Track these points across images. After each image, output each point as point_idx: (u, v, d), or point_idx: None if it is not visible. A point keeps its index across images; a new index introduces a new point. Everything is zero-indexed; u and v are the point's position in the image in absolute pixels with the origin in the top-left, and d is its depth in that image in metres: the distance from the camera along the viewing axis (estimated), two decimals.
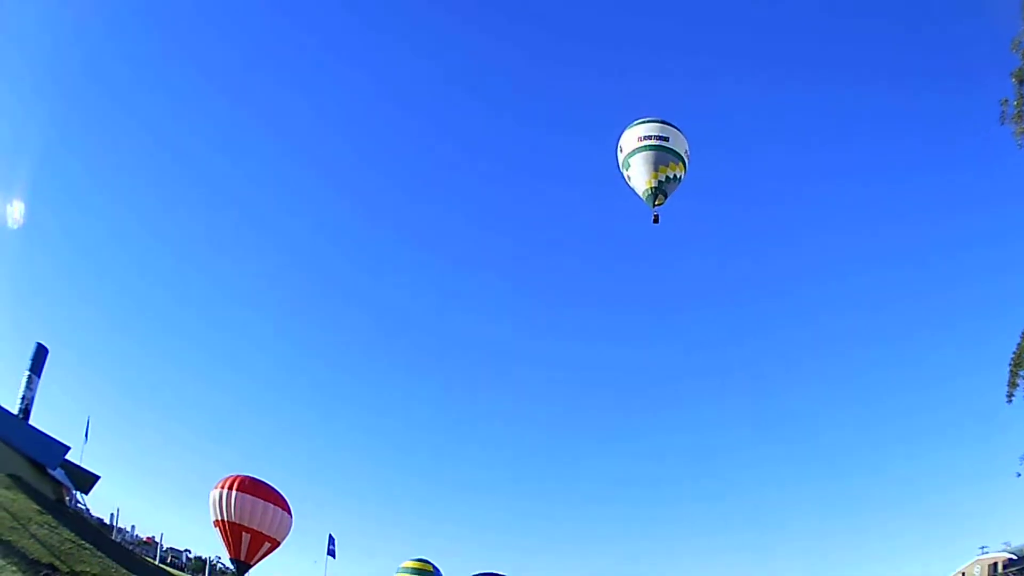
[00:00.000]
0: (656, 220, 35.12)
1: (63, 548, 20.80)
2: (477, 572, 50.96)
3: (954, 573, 39.69)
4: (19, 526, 19.33)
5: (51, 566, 18.35)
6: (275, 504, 40.52)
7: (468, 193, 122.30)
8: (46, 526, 21.28)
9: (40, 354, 30.58)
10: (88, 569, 20.72)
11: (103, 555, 23.19)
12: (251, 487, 39.67)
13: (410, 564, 51.80)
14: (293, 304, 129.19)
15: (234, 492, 38.74)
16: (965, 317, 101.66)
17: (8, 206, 40.66)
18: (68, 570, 19.34)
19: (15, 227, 39.60)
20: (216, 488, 39.44)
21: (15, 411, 28.14)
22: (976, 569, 39.83)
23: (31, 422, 28.96)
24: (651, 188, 34.59)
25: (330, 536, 34.85)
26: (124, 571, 23.61)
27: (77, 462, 31.65)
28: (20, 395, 29.02)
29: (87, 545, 22.73)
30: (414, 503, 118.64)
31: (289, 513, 41.46)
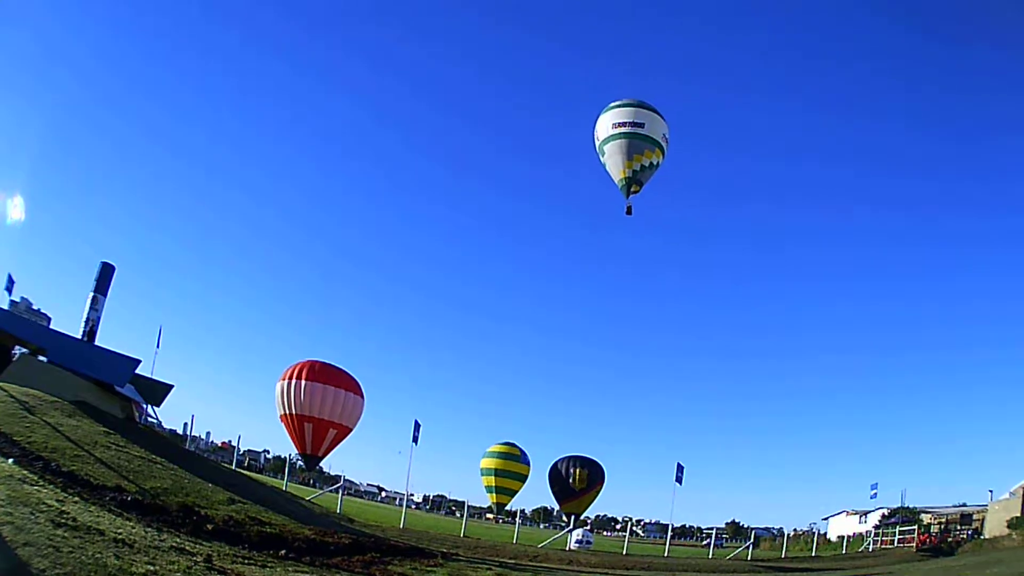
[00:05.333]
0: (629, 211, 33.02)
1: (131, 466, 20.68)
2: (562, 455, 52.10)
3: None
4: (83, 452, 19.14)
5: (118, 487, 18.08)
6: (342, 387, 39.88)
7: None
8: (113, 447, 21.17)
9: (106, 273, 29.98)
10: (159, 484, 20.59)
11: (176, 467, 23.11)
12: (315, 373, 39.09)
13: (497, 448, 53.45)
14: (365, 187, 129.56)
15: (294, 382, 38.50)
16: None
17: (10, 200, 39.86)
18: (136, 488, 19.14)
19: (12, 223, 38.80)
20: (281, 380, 39.37)
21: (80, 334, 28.34)
22: None
23: (99, 343, 29.23)
24: (625, 178, 32.87)
25: (416, 422, 34.98)
26: (198, 480, 23.65)
27: (149, 374, 32.23)
28: (84, 317, 29.09)
29: (158, 459, 22.65)
30: (499, 391, 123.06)
31: (359, 395, 40.73)
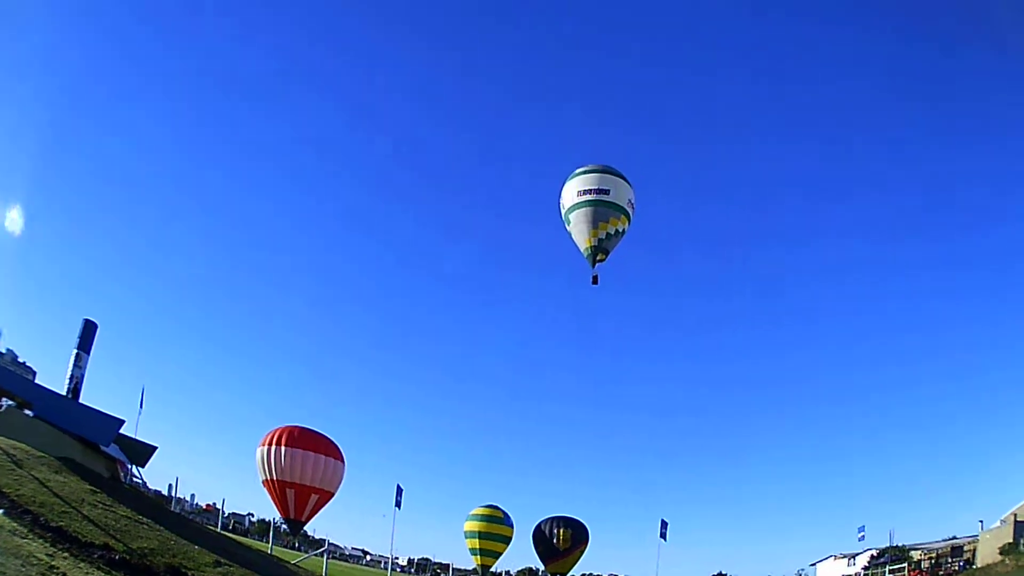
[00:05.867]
0: (595, 281, 32.78)
1: (118, 525, 19.95)
2: (546, 516, 51.26)
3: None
4: (71, 509, 18.42)
5: (106, 545, 17.38)
6: (322, 453, 39.05)
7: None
8: (99, 505, 20.44)
9: (88, 330, 29.28)
10: (146, 544, 19.83)
11: (161, 528, 22.36)
12: (294, 439, 38.27)
13: (480, 511, 52.56)
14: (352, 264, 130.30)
15: (273, 448, 37.63)
16: None
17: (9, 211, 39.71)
18: (124, 547, 18.41)
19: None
20: (261, 445, 38.45)
21: (64, 391, 27.57)
22: None
23: (82, 400, 28.42)
24: (590, 247, 32.34)
25: (398, 487, 34.28)
26: (184, 542, 22.81)
27: (132, 435, 31.29)
28: (68, 374, 28.31)
29: (144, 520, 21.91)
30: (480, 453, 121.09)
31: (340, 460, 39.94)
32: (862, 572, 46.16)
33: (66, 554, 16.02)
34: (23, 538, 14.86)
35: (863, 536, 42.72)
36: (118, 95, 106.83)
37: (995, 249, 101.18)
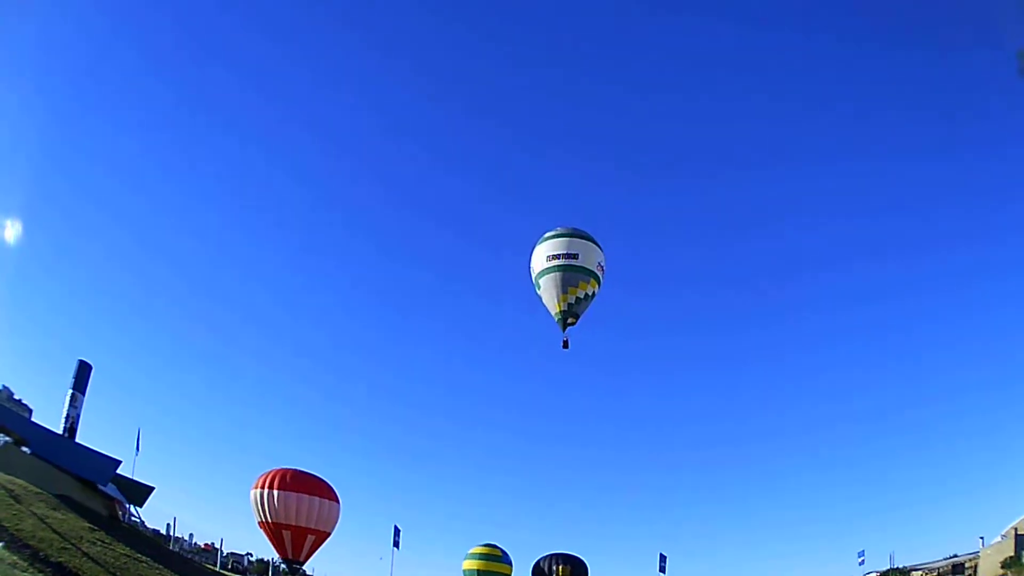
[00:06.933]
0: (565, 345, 32.80)
1: (118, 563, 19.47)
2: (545, 553, 50.47)
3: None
4: (69, 546, 17.91)
5: None
6: (317, 495, 38.74)
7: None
8: (99, 543, 19.93)
9: (83, 371, 29.05)
10: None
11: (160, 566, 21.89)
12: (286, 483, 38.02)
13: (479, 549, 51.85)
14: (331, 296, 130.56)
15: (267, 491, 37.26)
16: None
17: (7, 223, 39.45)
18: None
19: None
20: (254, 488, 38.05)
21: (60, 430, 27.11)
22: None
23: (79, 440, 27.94)
24: (561, 312, 32.42)
25: (395, 528, 33.60)
26: None
27: (129, 475, 30.69)
28: (64, 414, 27.87)
29: (143, 558, 21.43)
30: (477, 492, 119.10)
31: (335, 500, 39.63)
32: None
33: None
34: (24, 571, 14.47)
35: (863, 560, 42.37)
36: (105, 144, 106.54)
37: (990, 262, 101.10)
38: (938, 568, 44.15)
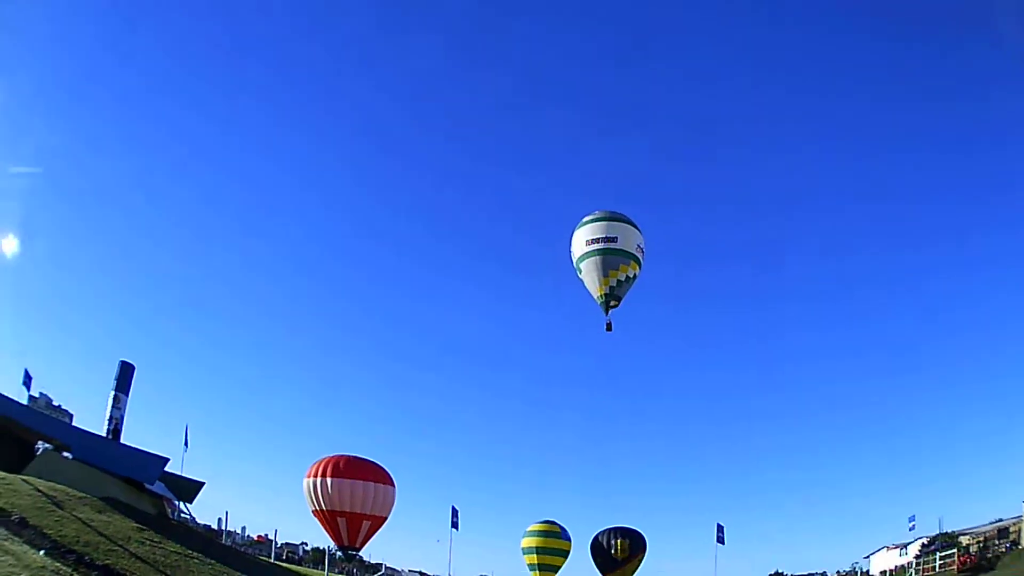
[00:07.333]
0: (609, 328, 32.97)
1: (168, 561, 19.17)
2: (603, 527, 50.22)
3: None
4: (117, 547, 17.63)
5: None
6: (371, 480, 38.63)
7: None
8: (147, 543, 19.68)
9: (125, 372, 28.75)
10: None
11: (213, 561, 21.58)
12: (339, 470, 38.00)
13: (537, 526, 52.05)
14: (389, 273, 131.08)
15: (321, 479, 37.31)
16: None
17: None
18: None
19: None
20: (307, 476, 38.19)
21: (104, 432, 27.04)
22: None
23: (127, 441, 27.86)
24: (603, 295, 32.70)
25: (453, 508, 33.39)
26: (237, 574, 22.06)
27: (178, 472, 30.71)
28: (107, 415, 27.81)
29: (195, 554, 21.16)
30: (534, 469, 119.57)
31: (390, 484, 39.62)
32: (913, 561, 45.56)
33: None
34: None
35: (914, 526, 43.00)
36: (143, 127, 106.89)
37: None
38: (984, 532, 43.99)
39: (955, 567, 38.71)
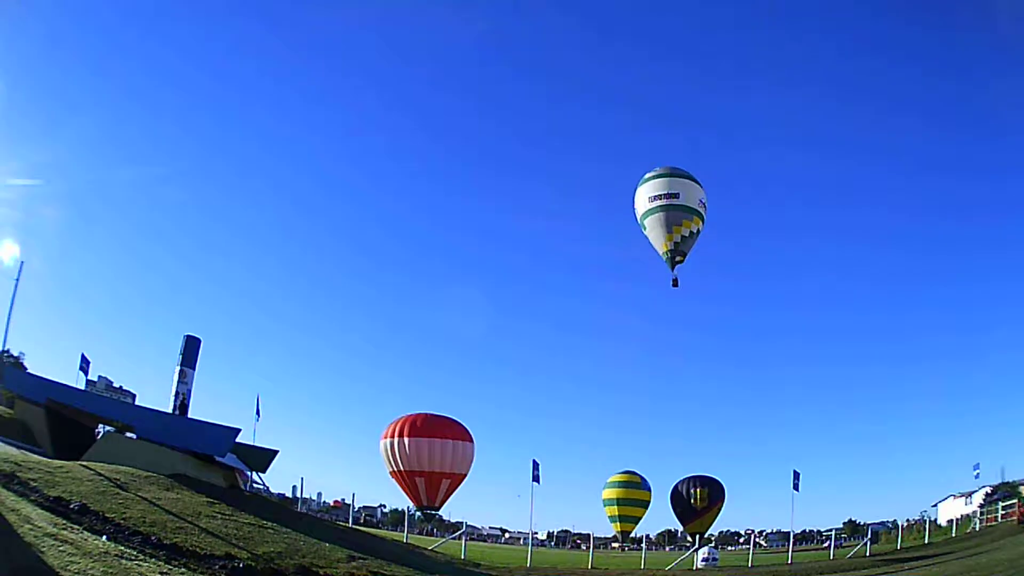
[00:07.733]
0: (675, 284, 33.12)
1: (241, 533, 18.83)
2: (682, 476, 50.18)
3: None
4: (186, 524, 17.31)
5: (228, 555, 16.09)
6: (449, 437, 38.32)
7: None
8: (219, 516, 19.40)
9: (191, 346, 28.69)
10: (272, 548, 18.61)
11: (288, 530, 21.27)
12: (416, 429, 37.67)
13: (617, 477, 52.92)
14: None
15: (397, 439, 37.11)
16: None
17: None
18: (248, 554, 17.12)
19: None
20: (384, 437, 37.99)
21: (171, 408, 27.05)
22: None
23: (197, 415, 27.82)
24: (668, 251, 32.68)
25: (534, 462, 33.02)
26: (314, 540, 21.69)
27: (250, 442, 30.78)
28: (173, 391, 27.79)
29: (268, 524, 20.86)
30: (613, 420, 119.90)
31: (468, 440, 39.24)
32: (978, 510, 45.90)
33: (183, 569, 14.76)
34: (131, 560, 13.54)
35: (978, 474, 43.88)
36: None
37: None
38: None
39: (1016, 518, 38.01)
